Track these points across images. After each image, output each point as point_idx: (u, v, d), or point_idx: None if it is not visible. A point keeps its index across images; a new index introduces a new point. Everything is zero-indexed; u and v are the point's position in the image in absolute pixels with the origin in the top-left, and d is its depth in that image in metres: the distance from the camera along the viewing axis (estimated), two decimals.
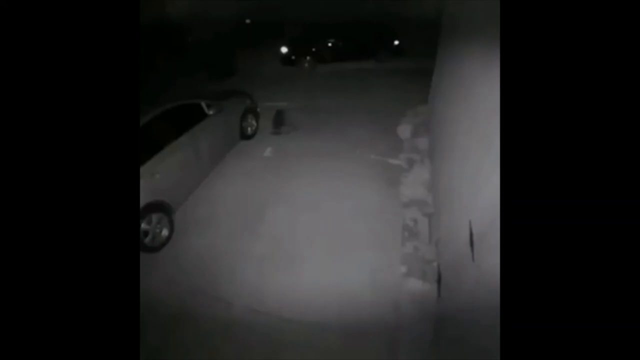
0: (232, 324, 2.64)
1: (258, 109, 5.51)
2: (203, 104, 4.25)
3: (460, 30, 2.96)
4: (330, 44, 8.83)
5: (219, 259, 3.24)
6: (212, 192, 4.17)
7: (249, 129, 5.29)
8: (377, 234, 3.31)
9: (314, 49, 8.78)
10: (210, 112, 4.28)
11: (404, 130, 5.03)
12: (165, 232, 3.47)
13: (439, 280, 2.56)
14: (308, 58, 8.76)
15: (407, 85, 6.93)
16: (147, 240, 3.29)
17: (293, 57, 8.81)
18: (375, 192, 3.89)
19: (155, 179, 3.27)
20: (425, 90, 5.29)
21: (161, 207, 3.41)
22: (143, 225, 3.26)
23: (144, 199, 3.17)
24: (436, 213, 3.20)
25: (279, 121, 5.75)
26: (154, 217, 3.34)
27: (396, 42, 8.87)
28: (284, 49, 8.88)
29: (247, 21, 12.06)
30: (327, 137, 5.16)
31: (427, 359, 2.28)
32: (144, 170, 3.19)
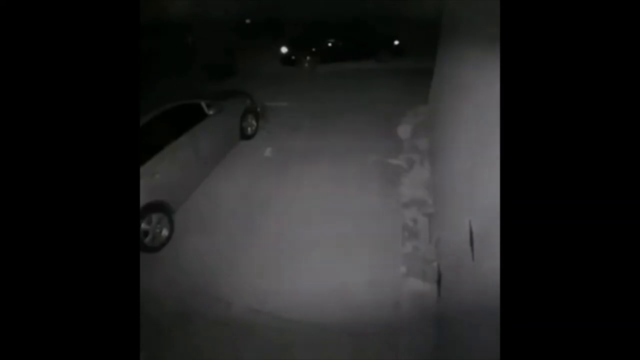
0: (233, 324, 2.64)
1: (258, 109, 5.51)
2: (203, 104, 4.24)
3: (461, 30, 2.96)
4: (330, 44, 8.82)
5: (219, 259, 3.24)
6: (212, 192, 4.17)
7: (249, 129, 5.28)
8: (377, 234, 3.31)
9: (314, 49, 8.77)
10: (210, 112, 4.28)
11: (404, 130, 5.03)
12: (165, 232, 3.47)
13: (439, 280, 2.56)
14: (308, 58, 8.75)
15: (407, 86, 6.92)
16: (147, 240, 3.29)
17: (293, 57, 8.80)
18: (375, 192, 3.90)
19: (155, 179, 3.27)
20: (425, 90, 5.28)
21: (161, 207, 3.41)
22: (143, 225, 3.26)
23: (144, 199, 3.16)
24: (436, 213, 3.20)
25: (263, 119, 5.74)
26: (154, 217, 3.34)
27: (396, 42, 8.86)
28: (284, 49, 8.87)
29: (247, 21, 12.06)
30: (327, 137, 5.16)
31: (427, 359, 2.28)
32: (144, 170, 3.19)
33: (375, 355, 2.35)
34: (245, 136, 5.18)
